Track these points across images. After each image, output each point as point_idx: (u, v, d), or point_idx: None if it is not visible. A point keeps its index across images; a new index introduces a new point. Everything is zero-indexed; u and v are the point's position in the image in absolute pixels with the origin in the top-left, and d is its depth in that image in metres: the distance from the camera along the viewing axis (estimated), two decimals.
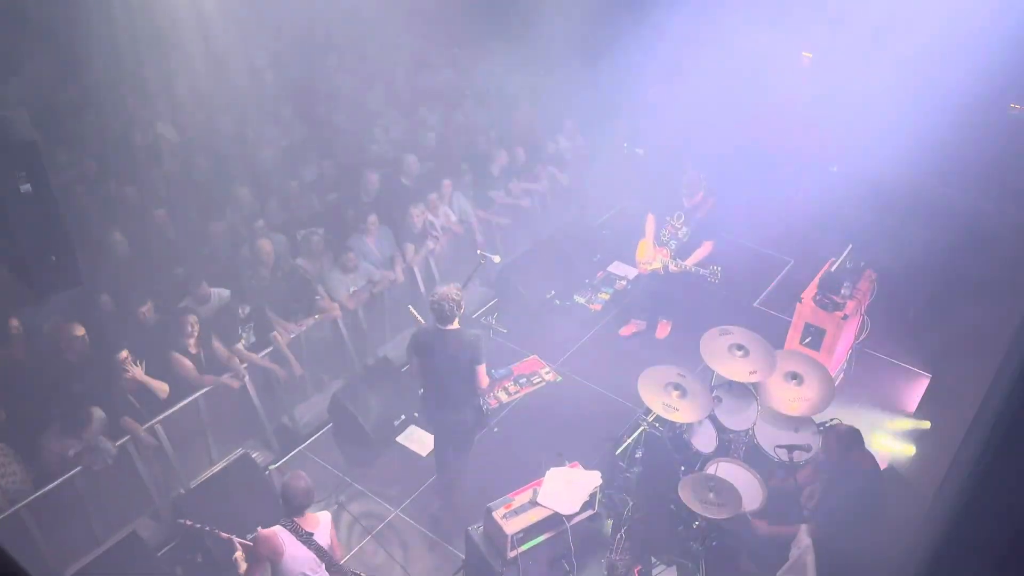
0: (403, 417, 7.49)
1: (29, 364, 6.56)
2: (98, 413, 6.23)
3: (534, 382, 7.89)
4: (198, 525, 5.08)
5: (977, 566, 2.40)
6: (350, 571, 5.06)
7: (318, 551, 4.69)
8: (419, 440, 7.35)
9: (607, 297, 9.09)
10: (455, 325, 5.77)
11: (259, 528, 4.69)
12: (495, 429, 7.21)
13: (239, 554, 4.69)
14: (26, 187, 4.92)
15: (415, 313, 6.69)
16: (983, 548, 2.41)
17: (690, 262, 7.73)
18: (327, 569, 4.80)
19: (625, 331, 8.54)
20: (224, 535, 4.82)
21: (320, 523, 4.82)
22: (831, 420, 6.32)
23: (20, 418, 6.14)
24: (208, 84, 10.28)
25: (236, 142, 9.72)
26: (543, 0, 10.27)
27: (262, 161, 9.46)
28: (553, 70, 10.66)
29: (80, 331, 6.47)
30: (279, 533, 4.62)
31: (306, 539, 4.66)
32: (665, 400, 5.98)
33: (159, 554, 6.16)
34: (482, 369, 5.87)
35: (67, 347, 6.42)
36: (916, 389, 7.84)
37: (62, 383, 6.28)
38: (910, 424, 7.40)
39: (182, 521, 5.42)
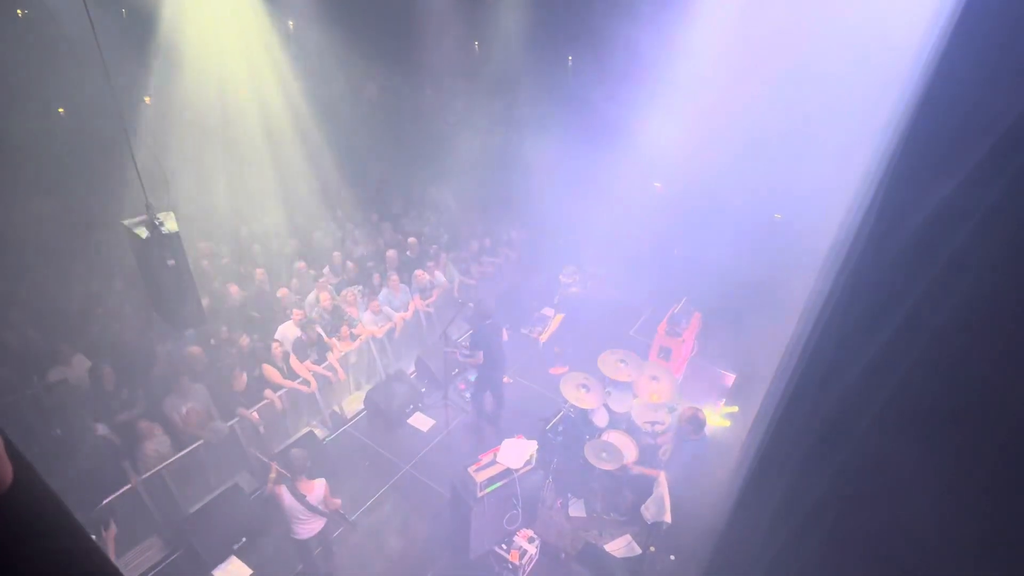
0: (411, 407, 7.33)
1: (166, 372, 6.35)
2: (198, 387, 6.06)
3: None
4: (264, 458, 5.13)
5: (764, 494, 2.50)
6: (337, 513, 4.95)
7: (308, 506, 4.69)
8: (422, 421, 7.24)
9: (542, 329, 8.97)
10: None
11: (274, 486, 4.68)
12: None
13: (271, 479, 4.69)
14: (171, 262, 4.89)
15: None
16: (768, 483, 2.52)
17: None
18: (316, 514, 4.78)
19: (559, 350, 8.52)
20: (274, 468, 4.75)
21: (314, 488, 4.76)
22: (680, 406, 6.32)
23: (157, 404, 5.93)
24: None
25: (304, 235, 9.63)
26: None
27: (320, 247, 9.38)
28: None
29: (198, 350, 6.35)
30: (283, 490, 4.65)
31: (300, 499, 4.67)
32: (576, 394, 6.04)
33: (251, 497, 5.97)
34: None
35: (193, 362, 6.27)
36: (726, 384, 7.83)
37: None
38: (726, 409, 7.29)
39: (254, 452, 5.50)
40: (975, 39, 1.08)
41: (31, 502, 0.55)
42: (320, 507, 4.75)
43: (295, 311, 7.19)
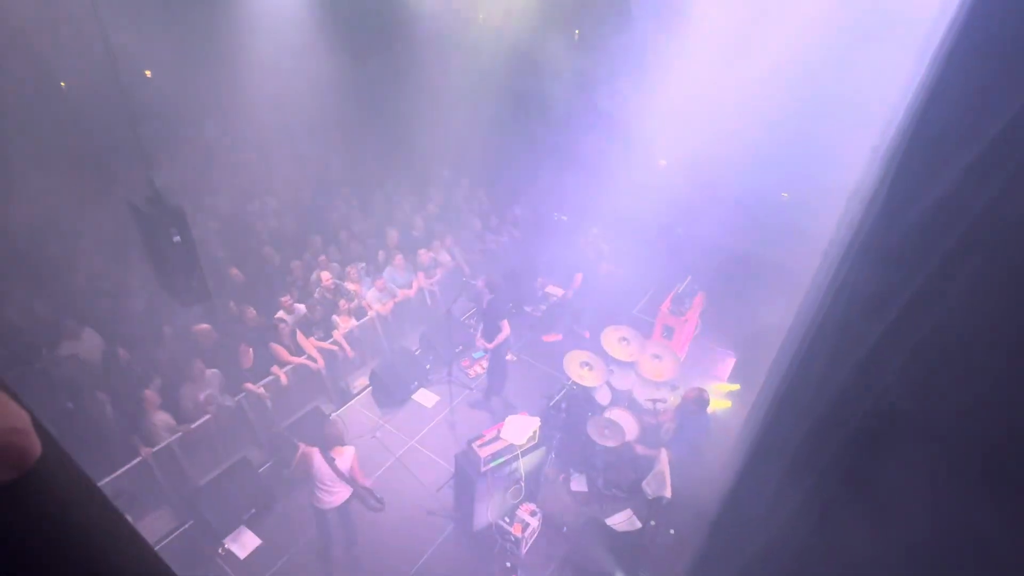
0: (415, 383, 7.40)
1: (176, 351, 6.41)
2: (213, 373, 6.10)
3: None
4: (286, 434, 5.14)
5: (763, 473, 2.54)
6: (364, 487, 4.96)
7: (336, 471, 4.71)
8: (426, 397, 7.33)
9: (544, 308, 8.96)
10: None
11: (304, 445, 4.72)
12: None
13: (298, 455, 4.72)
14: (176, 237, 4.88)
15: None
16: (766, 465, 2.55)
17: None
18: (344, 484, 4.81)
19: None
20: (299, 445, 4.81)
21: (344, 454, 4.77)
22: (683, 386, 6.27)
23: (170, 383, 6.01)
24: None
25: (310, 212, 9.60)
26: None
27: (326, 222, 9.35)
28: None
29: (207, 327, 6.40)
30: (314, 453, 4.66)
31: (329, 462, 4.68)
32: (579, 371, 6.10)
33: (260, 471, 6.07)
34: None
35: (202, 338, 6.32)
36: (728, 364, 7.86)
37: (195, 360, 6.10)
38: (727, 387, 7.34)
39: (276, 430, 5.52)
40: (990, 25, 1.06)
41: (59, 475, 0.57)
42: (347, 475, 4.77)
43: (285, 298, 7.20)
